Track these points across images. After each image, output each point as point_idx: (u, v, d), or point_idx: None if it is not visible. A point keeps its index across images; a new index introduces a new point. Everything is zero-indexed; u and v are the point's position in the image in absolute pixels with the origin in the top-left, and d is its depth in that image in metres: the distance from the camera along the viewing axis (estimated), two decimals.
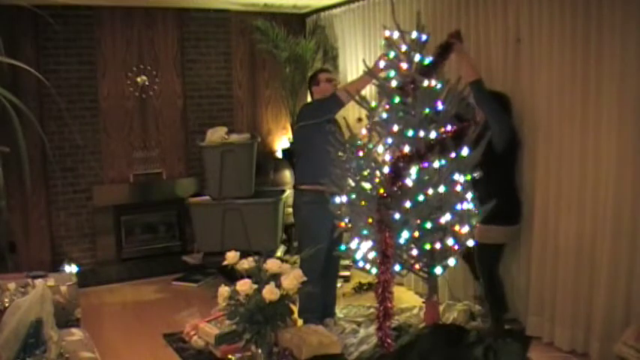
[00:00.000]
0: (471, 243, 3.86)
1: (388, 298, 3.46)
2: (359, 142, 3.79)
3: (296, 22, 6.82)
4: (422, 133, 3.68)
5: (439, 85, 3.77)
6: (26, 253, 5.74)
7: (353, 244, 3.93)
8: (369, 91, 5.29)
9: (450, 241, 3.72)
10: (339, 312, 4.53)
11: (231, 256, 2.48)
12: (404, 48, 3.83)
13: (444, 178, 3.69)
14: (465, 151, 3.70)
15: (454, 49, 3.81)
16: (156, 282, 5.71)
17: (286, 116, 6.77)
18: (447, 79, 3.85)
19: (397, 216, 3.63)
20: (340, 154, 3.73)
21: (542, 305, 4.04)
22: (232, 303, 2.30)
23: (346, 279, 5.48)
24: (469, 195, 3.83)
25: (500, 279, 4.12)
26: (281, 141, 6.96)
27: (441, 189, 3.67)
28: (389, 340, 3.47)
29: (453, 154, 3.70)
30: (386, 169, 3.65)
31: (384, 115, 3.87)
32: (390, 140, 3.76)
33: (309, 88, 4.39)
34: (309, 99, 4.64)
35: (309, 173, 4.08)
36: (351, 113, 5.58)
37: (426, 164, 3.64)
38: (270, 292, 2.19)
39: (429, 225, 3.68)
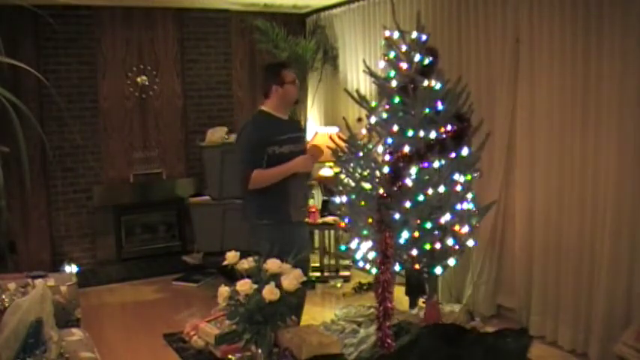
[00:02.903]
0: (471, 243, 3.87)
1: (388, 298, 3.47)
2: (359, 142, 3.79)
3: (296, 22, 6.82)
4: (422, 133, 3.68)
5: (439, 85, 3.77)
6: (26, 253, 5.75)
7: (353, 244, 3.93)
8: (369, 91, 5.29)
9: (450, 241, 3.73)
10: (340, 312, 4.52)
11: (231, 256, 2.47)
12: (404, 48, 3.83)
13: (444, 178, 3.69)
14: (464, 151, 3.70)
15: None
16: (156, 282, 5.71)
17: None
18: (447, 79, 3.85)
19: (397, 216, 3.64)
20: None
21: (544, 305, 4.04)
22: (232, 303, 2.29)
23: (346, 279, 5.48)
24: (469, 195, 3.83)
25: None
26: None
27: (441, 189, 3.67)
28: (389, 340, 3.48)
29: (453, 154, 3.70)
30: (386, 169, 3.65)
31: (384, 115, 3.87)
32: (390, 140, 3.76)
33: (267, 84, 3.62)
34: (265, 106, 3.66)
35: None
36: (351, 113, 5.58)
37: (426, 164, 3.64)
38: (270, 292, 2.19)
39: (429, 225, 3.68)
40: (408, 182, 3.62)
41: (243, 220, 3.78)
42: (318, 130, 6.02)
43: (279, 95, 3.58)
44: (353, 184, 3.85)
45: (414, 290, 4.26)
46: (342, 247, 4.34)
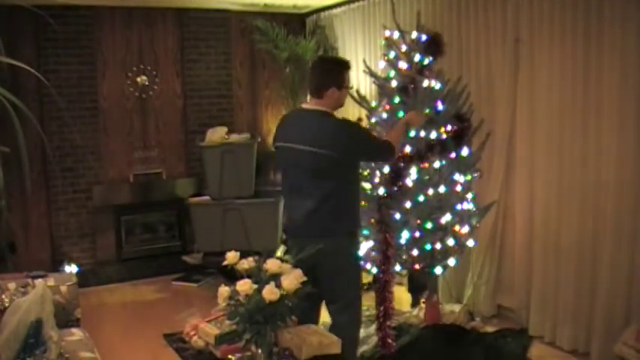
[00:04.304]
0: (471, 243, 3.87)
1: (388, 298, 3.48)
2: None
3: (296, 22, 6.81)
4: (422, 133, 3.69)
5: (439, 85, 3.77)
6: (26, 253, 5.74)
7: None
8: (369, 91, 5.29)
9: (450, 241, 3.73)
10: None
11: (231, 256, 2.47)
12: (404, 48, 3.84)
13: (443, 178, 3.70)
14: (465, 151, 3.70)
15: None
16: (156, 282, 5.71)
17: None
18: (447, 79, 3.85)
19: (398, 216, 3.64)
20: None
21: (544, 305, 4.04)
22: (232, 303, 2.29)
23: None
24: (469, 195, 3.84)
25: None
26: None
27: (441, 189, 3.68)
28: (389, 340, 3.48)
29: (453, 154, 3.70)
30: (386, 169, 3.65)
31: (384, 115, 3.87)
32: None
33: (325, 83, 3.08)
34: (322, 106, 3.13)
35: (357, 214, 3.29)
36: (351, 113, 5.58)
37: (426, 164, 3.65)
38: (270, 292, 2.19)
39: (429, 225, 3.69)
40: (409, 182, 3.63)
41: (321, 238, 2.91)
42: None
43: (334, 98, 3.12)
44: None
45: (417, 288, 4.27)
46: None
